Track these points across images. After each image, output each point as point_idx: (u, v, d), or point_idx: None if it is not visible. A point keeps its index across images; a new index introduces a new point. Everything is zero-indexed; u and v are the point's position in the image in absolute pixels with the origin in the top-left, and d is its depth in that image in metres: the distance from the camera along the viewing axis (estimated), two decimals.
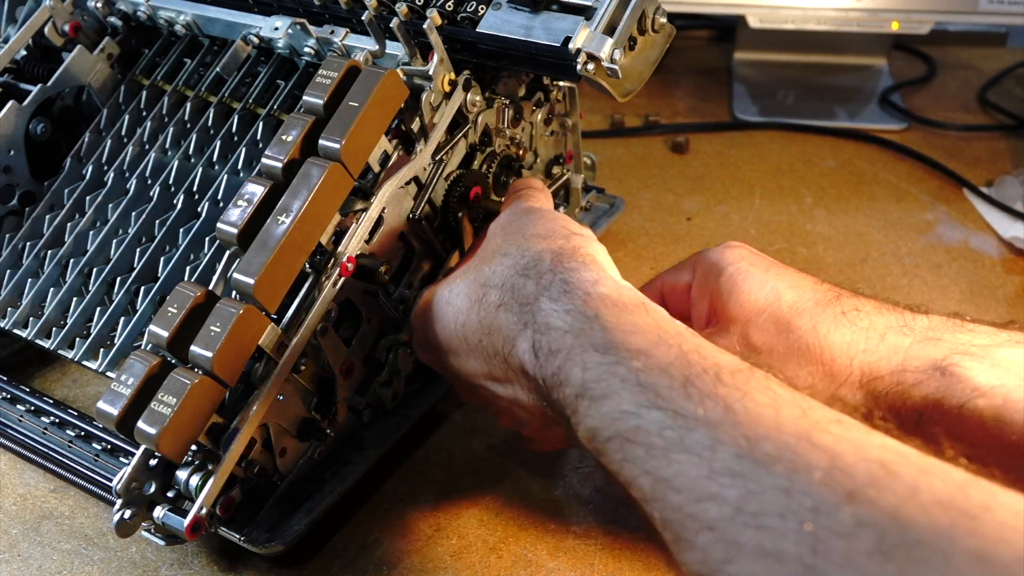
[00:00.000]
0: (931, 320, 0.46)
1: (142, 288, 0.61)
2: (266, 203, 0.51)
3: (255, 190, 0.51)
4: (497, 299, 0.46)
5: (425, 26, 0.55)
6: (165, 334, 0.49)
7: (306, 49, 0.63)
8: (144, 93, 0.69)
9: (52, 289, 0.63)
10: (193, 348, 0.48)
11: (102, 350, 0.60)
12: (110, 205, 0.65)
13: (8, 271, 0.65)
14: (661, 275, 0.56)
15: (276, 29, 0.64)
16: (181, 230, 0.62)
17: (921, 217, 0.86)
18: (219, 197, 0.62)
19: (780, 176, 0.93)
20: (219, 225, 0.51)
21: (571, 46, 0.56)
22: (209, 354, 0.47)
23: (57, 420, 0.61)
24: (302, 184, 0.51)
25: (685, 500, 0.34)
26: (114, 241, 0.63)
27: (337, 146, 0.51)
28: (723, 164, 0.96)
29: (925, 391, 0.43)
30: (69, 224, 0.66)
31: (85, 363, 0.60)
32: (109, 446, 0.58)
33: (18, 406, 0.62)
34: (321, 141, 0.52)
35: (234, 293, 0.50)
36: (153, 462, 0.49)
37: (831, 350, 0.46)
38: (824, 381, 0.45)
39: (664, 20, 0.58)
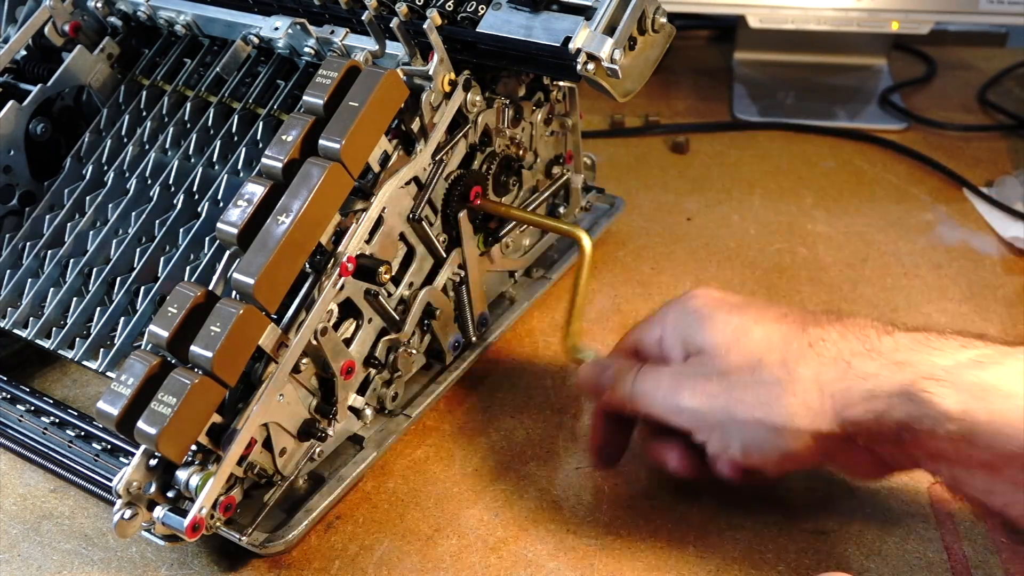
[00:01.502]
0: (897, 339, 0.46)
1: (142, 288, 0.61)
2: (266, 203, 0.51)
3: (255, 190, 0.51)
4: None
5: (425, 26, 0.55)
6: (165, 334, 0.49)
7: (306, 49, 0.63)
8: (144, 93, 0.69)
9: (52, 289, 0.63)
10: (193, 348, 0.48)
11: (102, 350, 0.60)
12: (110, 205, 0.65)
13: (8, 271, 0.65)
14: (631, 333, 0.56)
15: (276, 29, 0.64)
16: (181, 230, 0.62)
17: (921, 217, 0.86)
18: (219, 197, 0.62)
19: (780, 176, 0.93)
20: (219, 225, 0.51)
21: (571, 46, 0.55)
22: (209, 354, 0.47)
23: (57, 420, 0.61)
24: (302, 184, 0.51)
25: None
26: (114, 241, 0.63)
27: (337, 146, 0.51)
28: (723, 164, 0.96)
29: (897, 416, 0.44)
30: (69, 224, 0.66)
31: (85, 363, 0.60)
32: (109, 446, 0.58)
33: (18, 406, 0.62)
34: (321, 141, 0.52)
35: (234, 293, 0.50)
36: (153, 462, 0.49)
37: (803, 383, 0.46)
38: (801, 413, 0.46)
39: (664, 20, 0.58)
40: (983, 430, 0.42)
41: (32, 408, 0.62)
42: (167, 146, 0.66)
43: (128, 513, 0.48)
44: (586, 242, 0.60)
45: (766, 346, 0.48)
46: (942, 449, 0.44)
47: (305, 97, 0.54)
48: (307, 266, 0.52)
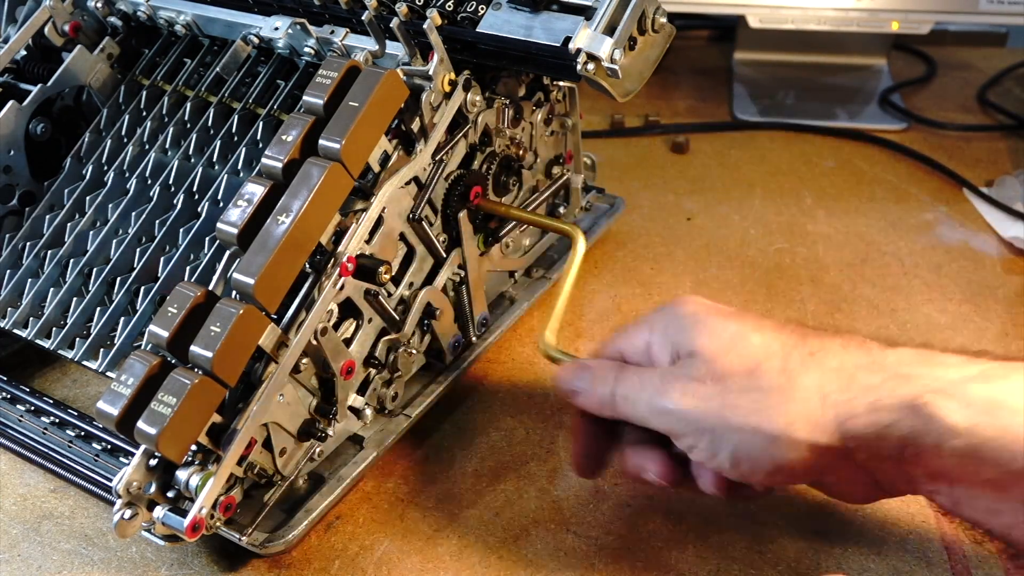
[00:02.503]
0: (899, 354, 0.45)
1: (142, 288, 0.61)
2: (266, 203, 0.51)
3: (255, 190, 0.51)
4: None
5: (425, 26, 0.55)
6: (165, 334, 0.49)
7: (306, 49, 0.63)
8: (144, 93, 0.69)
9: (52, 289, 0.63)
10: (193, 348, 0.48)
11: (102, 350, 0.60)
12: (110, 205, 0.65)
13: (8, 271, 0.65)
14: (615, 339, 0.52)
15: (276, 29, 0.64)
16: (181, 230, 0.62)
17: (921, 217, 0.86)
18: (219, 197, 0.62)
19: (780, 176, 0.93)
20: (219, 225, 0.51)
21: (571, 46, 0.56)
22: (209, 354, 0.47)
23: (57, 420, 0.61)
24: (302, 184, 0.51)
25: None
26: (114, 241, 0.63)
27: (337, 146, 0.51)
28: (723, 164, 0.96)
29: (901, 431, 0.42)
30: (69, 224, 0.66)
31: (85, 363, 0.60)
32: (109, 446, 0.58)
33: (18, 406, 0.62)
34: (321, 141, 0.52)
35: (234, 293, 0.50)
36: (153, 462, 0.49)
37: (804, 392, 0.44)
38: (801, 422, 0.44)
39: (664, 20, 0.58)
40: (991, 446, 0.41)
41: (32, 408, 0.62)
42: (167, 146, 0.66)
43: (128, 513, 0.48)
44: (581, 244, 0.59)
45: (765, 353, 0.45)
46: (946, 467, 0.42)
47: (305, 97, 0.54)
48: (307, 266, 0.52)
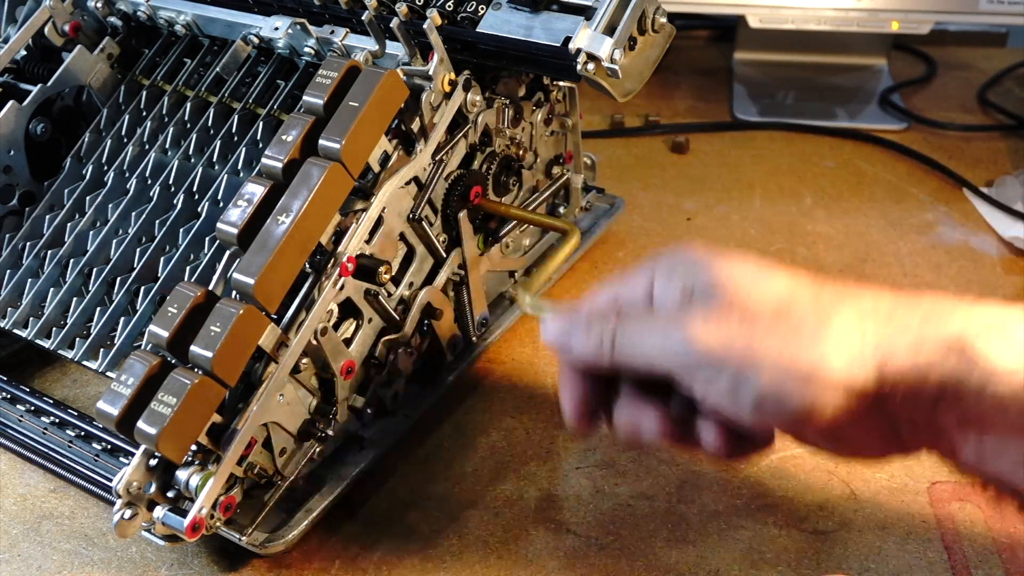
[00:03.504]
0: (934, 298, 0.41)
1: (142, 288, 0.61)
2: (266, 203, 0.51)
3: (255, 190, 0.51)
4: None
5: (425, 26, 0.55)
6: (165, 334, 0.49)
7: (306, 49, 0.63)
8: (144, 93, 0.69)
9: (52, 289, 0.63)
10: (193, 348, 0.48)
11: (102, 350, 0.60)
12: (110, 205, 0.65)
13: (8, 271, 0.65)
14: (604, 288, 0.47)
15: (276, 29, 0.64)
16: (181, 230, 0.62)
17: (921, 217, 0.86)
18: (219, 197, 0.62)
19: (780, 176, 0.93)
20: (219, 225, 0.51)
21: (571, 46, 0.56)
22: (209, 354, 0.47)
23: (57, 420, 0.61)
24: (302, 184, 0.51)
25: None
26: (114, 241, 0.63)
27: (337, 146, 0.51)
28: (723, 164, 0.96)
29: (942, 372, 0.39)
30: (69, 224, 0.66)
31: (85, 363, 0.60)
32: (109, 446, 0.58)
33: (18, 406, 0.62)
34: (321, 141, 0.52)
35: (234, 293, 0.50)
36: (153, 462, 0.49)
37: (840, 328, 0.40)
38: (837, 361, 0.39)
39: (664, 20, 0.58)
40: None
41: (32, 408, 0.62)
42: (167, 146, 0.66)
43: (128, 513, 0.48)
44: (576, 237, 0.59)
45: (793, 289, 0.41)
46: (984, 412, 0.38)
47: (305, 97, 0.54)
48: (307, 266, 0.52)
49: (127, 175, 0.66)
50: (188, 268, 0.60)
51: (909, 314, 0.40)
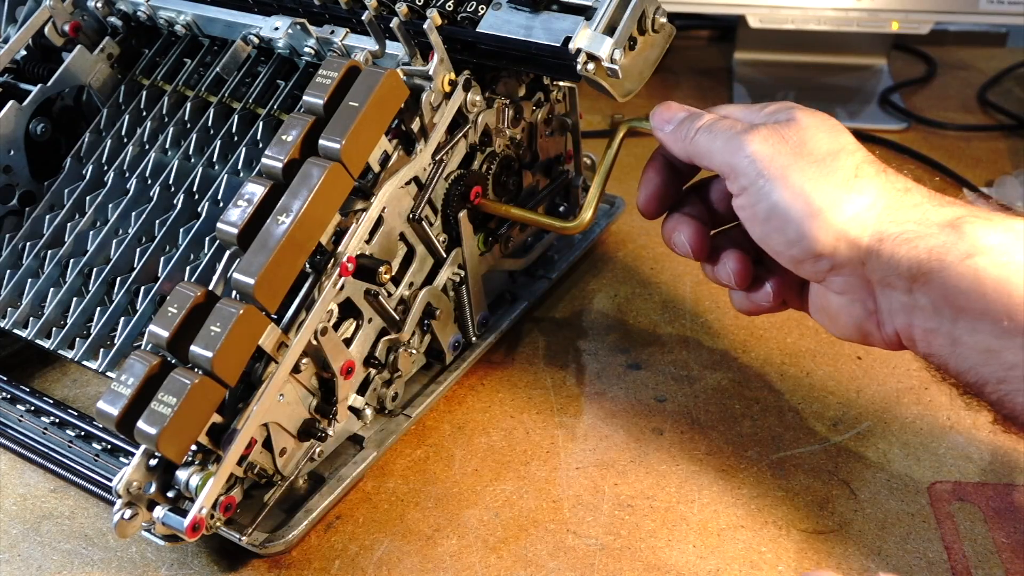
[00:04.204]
0: (956, 200, 0.48)
1: (142, 288, 0.61)
2: (266, 203, 0.51)
3: (255, 190, 0.51)
4: None
5: (425, 26, 0.55)
6: (165, 334, 0.49)
7: (306, 49, 0.63)
8: (144, 93, 0.69)
9: (52, 289, 0.63)
10: (193, 348, 0.48)
11: (102, 350, 0.60)
12: (110, 205, 0.65)
13: (8, 271, 0.65)
14: (717, 108, 0.55)
15: (276, 29, 0.64)
16: (181, 230, 0.62)
17: None
18: (219, 197, 0.62)
19: None
20: (219, 225, 0.51)
21: (571, 46, 0.56)
22: (209, 354, 0.47)
23: (57, 420, 0.61)
24: (302, 184, 0.51)
25: None
26: (114, 241, 0.63)
27: (337, 146, 0.51)
28: None
29: (933, 242, 0.44)
30: (69, 224, 0.66)
31: (85, 363, 0.60)
32: (109, 446, 0.58)
33: (18, 406, 0.62)
34: (321, 141, 0.52)
35: (234, 293, 0.50)
36: (153, 462, 0.49)
37: (863, 189, 0.48)
38: (845, 207, 0.47)
39: (664, 20, 0.58)
40: (1013, 269, 0.42)
41: (32, 408, 0.62)
42: (167, 146, 0.66)
43: (128, 513, 0.48)
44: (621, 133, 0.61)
45: (850, 150, 0.49)
46: (960, 288, 0.43)
47: (305, 97, 0.54)
48: (307, 266, 0.52)
49: (127, 175, 0.67)
50: (188, 268, 0.60)
51: (926, 202, 0.47)
